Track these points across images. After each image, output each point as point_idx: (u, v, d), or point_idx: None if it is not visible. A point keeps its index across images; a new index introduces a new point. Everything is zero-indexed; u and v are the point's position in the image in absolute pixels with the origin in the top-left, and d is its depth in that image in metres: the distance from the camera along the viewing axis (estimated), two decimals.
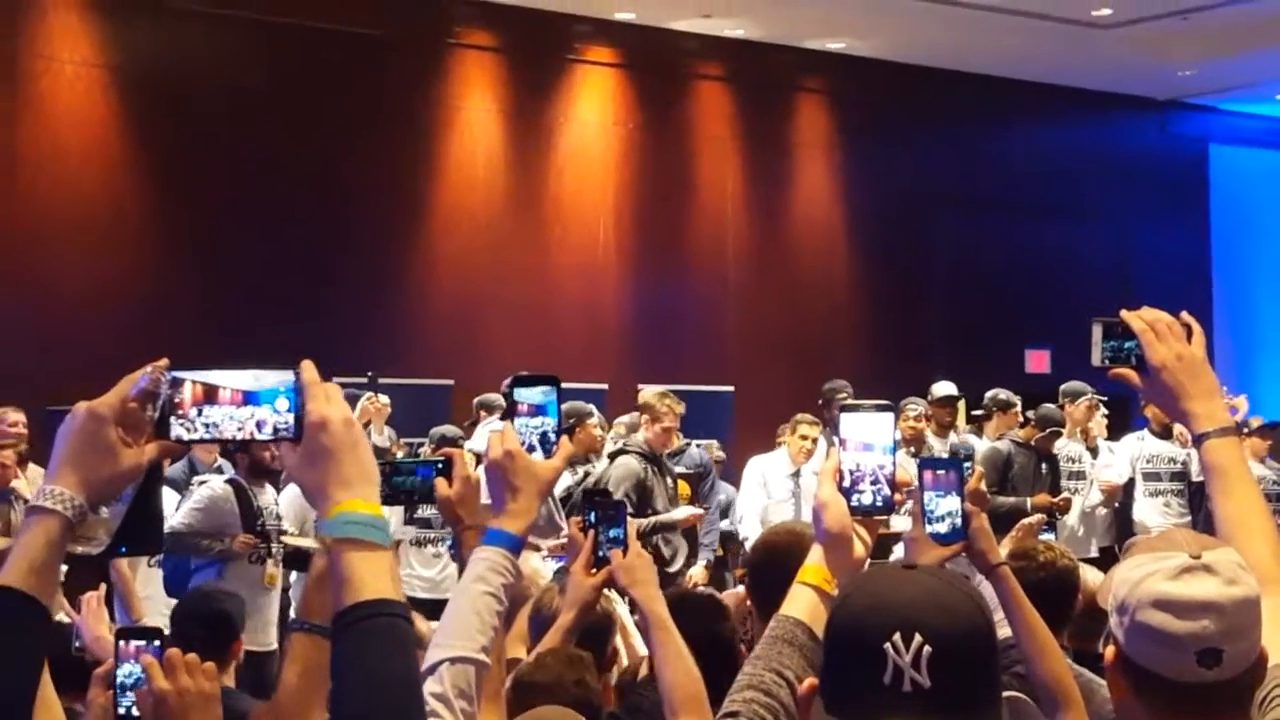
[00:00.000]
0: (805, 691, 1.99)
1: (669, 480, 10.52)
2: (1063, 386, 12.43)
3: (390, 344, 13.68)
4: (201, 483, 9.60)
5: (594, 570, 3.98)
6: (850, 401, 2.75)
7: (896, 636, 1.86)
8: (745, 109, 16.64)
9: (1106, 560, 10.78)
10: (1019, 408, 12.39)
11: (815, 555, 2.63)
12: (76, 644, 4.49)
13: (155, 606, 9.30)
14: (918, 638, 1.86)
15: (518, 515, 2.76)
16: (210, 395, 2.22)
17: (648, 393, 10.85)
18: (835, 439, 9.26)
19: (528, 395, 2.83)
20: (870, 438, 2.69)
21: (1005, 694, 3.21)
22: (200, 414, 2.22)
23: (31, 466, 10.05)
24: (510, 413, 2.85)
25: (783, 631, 2.53)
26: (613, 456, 10.44)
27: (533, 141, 15.36)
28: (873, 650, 1.87)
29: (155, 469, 2.26)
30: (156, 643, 3.13)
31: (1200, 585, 2.15)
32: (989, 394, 12.70)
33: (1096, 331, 2.93)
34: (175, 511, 9.24)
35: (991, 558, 3.45)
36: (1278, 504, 11.19)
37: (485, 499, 2.90)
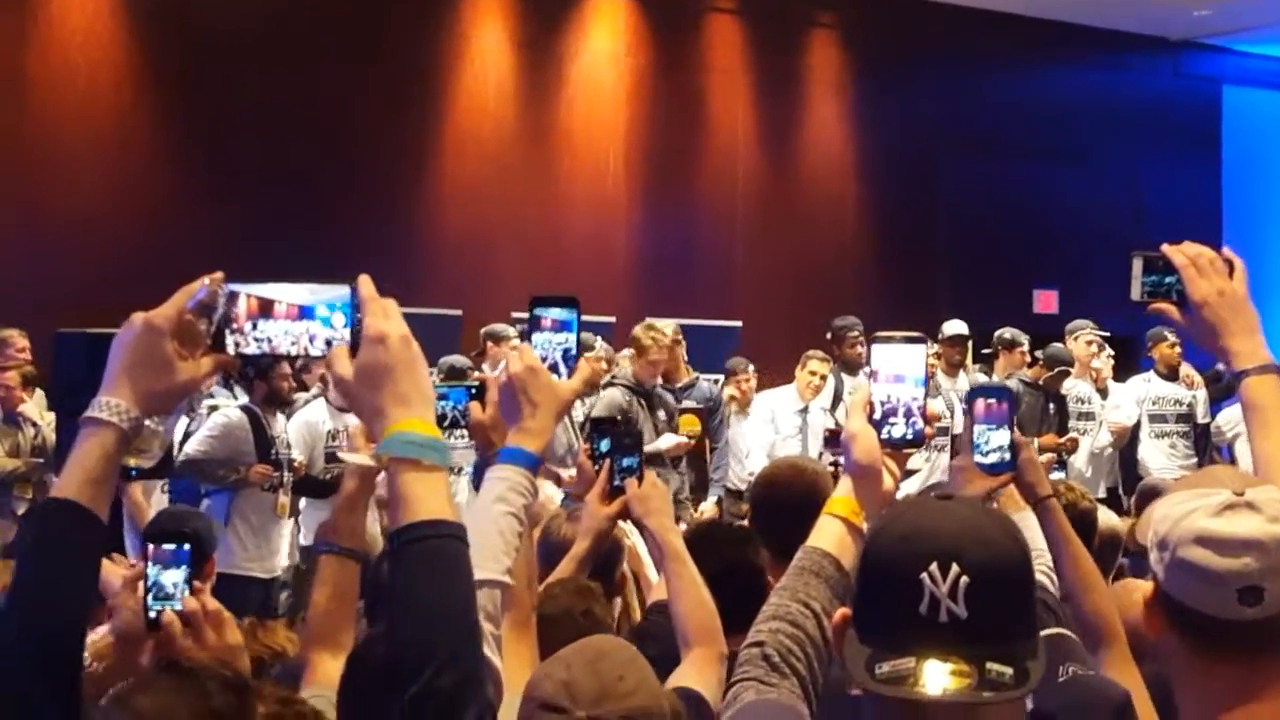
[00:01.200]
0: (839, 621, 1.97)
1: (662, 414, 10.47)
2: (1068, 325, 12.42)
3: (399, 273, 13.57)
4: (212, 409, 9.61)
5: (608, 500, 3.97)
6: (882, 333, 2.71)
7: (934, 567, 1.85)
8: (757, 43, 16.52)
9: (1112, 502, 10.78)
10: (1025, 347, 12.36)
11: (844, 487, 2.60)
12: None
13: None
14: (955, 568, 1.84)
15: (535, 433, 2.72)
16: (266, 309, 2.20)
17: (637, 326, 10.85)
18: (840, 375, 9.16)
19: (551, 312, 2.81)
20: (902, 369, 2.65)
21: (1048, 631, 3.21)
22: (255, 328, 2.20)
23: (38, 391, 10.05)
24: (532, 329, 2.81)
25: (810, 563, 2.51)
26: (603, 389, 10.45)
27: (544, 73, 15.26)
28: (909, 580, 1.85)
29: None
30: (186, 547, 3.12)
31: (1243, 522, 2.13)
32: (996, 333, 12.68)
33: (1136, 265, 2.90)
34: (186, 437, 9.25)
35: (1040, 490, 3.43)
36: None
37: None
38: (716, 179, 16.17)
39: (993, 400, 3.35)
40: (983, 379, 12.39)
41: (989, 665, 1.82)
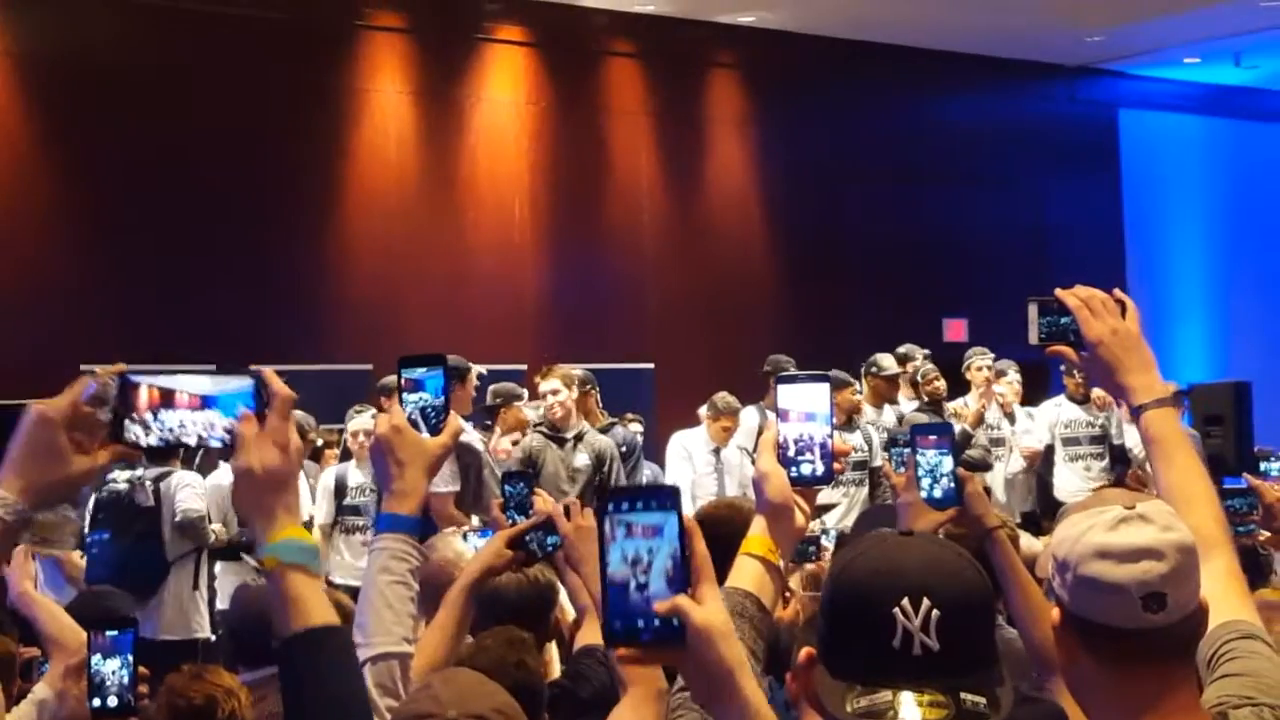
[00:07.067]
0: (804, 660, 2.01)
1: (583, 457, 10.17)
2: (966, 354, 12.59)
3: (306, 330, 13.57)
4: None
5: (512, 547, 3.89)
6: (787, 373, 2.76)
7: (905, 601, 1.91)
8: (658, 85, 16.58)
9: (1028, 526, 10.85)
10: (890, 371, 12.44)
11: (758, 526, 2.65)
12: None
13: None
14: (926, 602, 1.90)
15: (406, 495, 2.75)
16: (167, 399, 2.22)
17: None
18: (764, 411, 9.18)
19: (409, 372, 2.85)
20: (810, 407, 2.69)
21: None
22: (156, 417, 2.22)
23: None
24: (400, 389, 2.85)
25: (732, 604, 2.53)
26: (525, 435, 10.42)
27: (444, 122, 15.25)
28: (881, 616, 1.91)
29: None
30: (129, 632, 3.10)
31: (1138, 532, 2.21)
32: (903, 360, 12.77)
33: (1032, 310, 3.01)
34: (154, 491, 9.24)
35: (987, 521, 3.49)
36: None
37: None
38: (623, 221, 16.19)
39: (933, 436, 3.43)
40: (916, 413, 12.41)
41: (963, 695, 1.89)
